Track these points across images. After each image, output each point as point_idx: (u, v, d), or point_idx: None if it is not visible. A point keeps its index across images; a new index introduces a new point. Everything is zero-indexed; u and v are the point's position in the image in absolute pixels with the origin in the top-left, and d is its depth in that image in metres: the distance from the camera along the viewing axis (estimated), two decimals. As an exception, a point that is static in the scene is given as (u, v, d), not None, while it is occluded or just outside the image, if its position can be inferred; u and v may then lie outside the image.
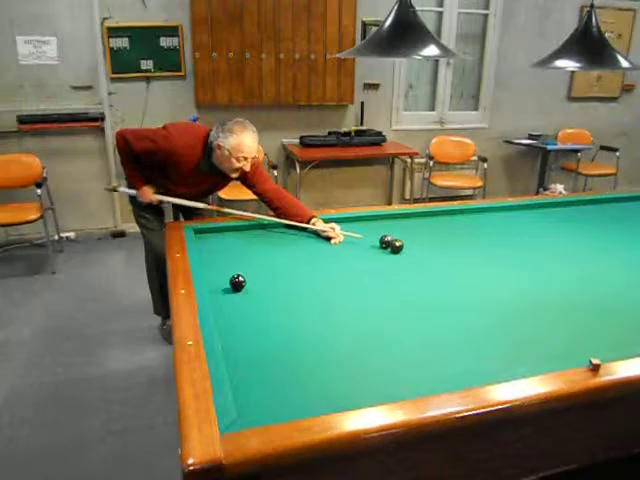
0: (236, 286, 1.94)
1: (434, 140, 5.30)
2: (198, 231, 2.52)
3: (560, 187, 5.32)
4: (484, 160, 5.31)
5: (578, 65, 2.03)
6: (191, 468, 1.07)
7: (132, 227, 4.88)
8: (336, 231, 2.45)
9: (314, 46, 4.73)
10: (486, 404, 1.31)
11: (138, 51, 4.52)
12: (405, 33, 1.68)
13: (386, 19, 1.73)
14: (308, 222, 2.52)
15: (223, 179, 2.75)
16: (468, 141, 5.33)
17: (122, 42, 4.49)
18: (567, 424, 1.45)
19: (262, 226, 2.65)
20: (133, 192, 2.82)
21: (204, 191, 2.89)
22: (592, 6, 2.00)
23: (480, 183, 5.14)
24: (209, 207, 2.82)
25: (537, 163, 5.77)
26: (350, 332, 1.69)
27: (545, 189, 5.45)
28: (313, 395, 1.37)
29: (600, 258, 2.36)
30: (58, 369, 2.81)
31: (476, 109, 5.66)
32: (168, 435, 2.31)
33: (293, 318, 1.77)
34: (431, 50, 1.69)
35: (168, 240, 2.37)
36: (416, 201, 5.09)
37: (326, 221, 2.57)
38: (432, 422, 1.26)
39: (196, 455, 1.10)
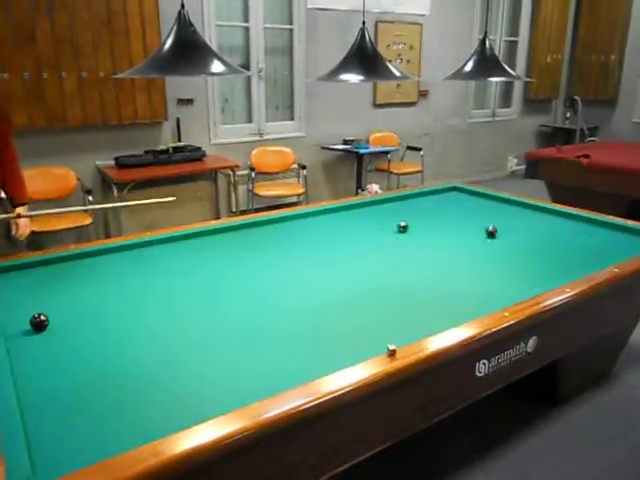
0: (37, 326, 1.79)
1: (254, 152, 5.40)
2: (-3, 270, 2.29)
3: (376, 187, 5.73)
4: (303, 167, 5.53)
5: (359, 77, 2.22)
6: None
7: None
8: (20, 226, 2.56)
9: (119, 63, 4.54)
10: (313, 398, 1.37)
11: None
12: (186, 52, 1.69)
13: (166, 38, 1.73)
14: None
15: None
16: (287, 150, 5.52)
17: None
18: (378, 406, 1.56)
19: (71, 257, 2.48)
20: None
21: None
22: (364, 23, 2.21)
23: (302, 190, 5.35)
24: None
25: (354, 166, 6.15)
26: (159, 358, 1.66)
27: (363, 189, 5.84)
28: (126, 430, 1.32)
29: (405, 250, 2.60)
30: None
31: (292, 119, 5.88)
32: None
33: (99, 353, 1.68)
34: (216, 67, 1.72)
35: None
36: (243, 213, 5.13)
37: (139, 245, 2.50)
38: (269, 422, 1.30)
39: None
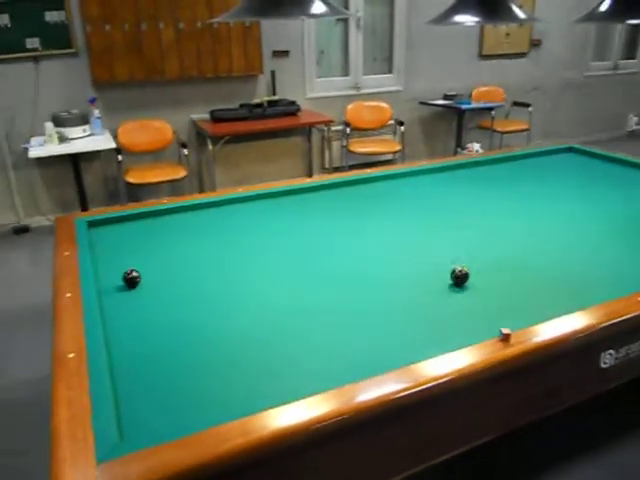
0: (130, 283, 1.76)
1: (350, 106, 5.18)
2: (92, 223, 2.31)
3: (477, 146, 5.36)
4: (401, 124, 5.26)
5: (475, 19, 1.94)
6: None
7: (36, 221, 4.53)
8: None
9: (216, 13, 4.45)
10: (414, 384, 1.23)
11: (21, 28, 4.10)
12: (287, -9, 1.53)
13: (265, -24, 1.57)
14: None
15: None
16: (384, 105, 5.26)
17: (2, 19, 4.05)
18: (485, 396, 1.40)
19: (166, 211, 2.46)
20: None
21: None
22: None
23: (398, 147, 5.10)
24: None
25: (454, 123, 5.78)
26: (260, 326, 1.56)
27: (463, 149, 5.49)
28: (213, 404, 1.24)
29: (511, 218, 2.34)
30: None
31: (390, 72, 5.58)
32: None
33: (194, 315, 1.62)
34: (317, 8, 1.55)
35: (57, 237, 2.15)
36: (336, 170, 4.99)
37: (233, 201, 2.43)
38: (365, 407, 1.18)
39: (65, 493, 0.95)
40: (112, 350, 1.42)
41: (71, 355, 1.35)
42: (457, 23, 1.94)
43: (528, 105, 5.86)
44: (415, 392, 1.23)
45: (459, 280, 1.70)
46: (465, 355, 1.32)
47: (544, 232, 2.17)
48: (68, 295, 1.66)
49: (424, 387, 1.24)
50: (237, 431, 1.09)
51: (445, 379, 1.26)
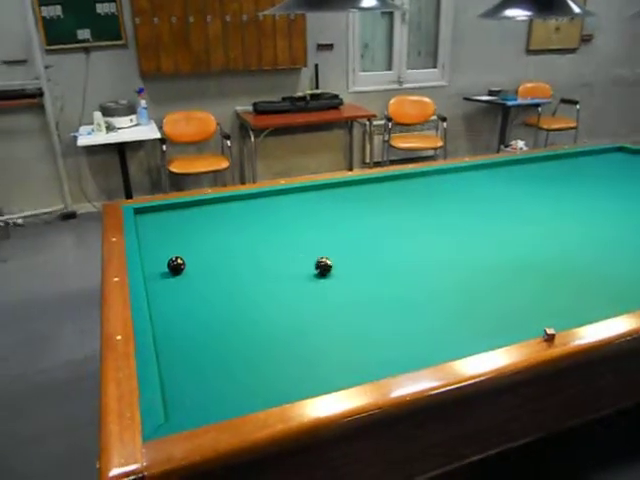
0: (174, 269, 1.80)
1: (392, 101, 5.15)
2: (138, 211, 2.37)
3: (521, 143, 5.25)
4: (444, 119, 5.19)
5: (527, 13, 1.90)
6: (106, 485, 0.96)
7: (83, 207, 4.67)
8: None
9: (262, 6, 4.48)
10: (453, 380, 1.22)
11: (73, 19, 4.22)
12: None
13: (316, -31, 1.57)
14: None
15: None
16: (427, 100, 5.20)
17: (55, 10, 4.18)
18: (525, 396, 1.38)
19: (209, 201, 2.51)
20: None
21: None
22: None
23: (440, 143, 5.04)
24: None
25: (498, 119, 5.68)
26: (299, 318, 1.58)
27: (506, 146, 5.38)
28: (254, 390, 1.26)
29: (558, 217, 2.29)
30: (3, 362, 2.66)
31: (435, 66, 5.51)
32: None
33: (237, 304, 1.64)
34: (367, 1, 1.54)
35: (104, 223, 2.21)
36: (377, 165, 4.97)
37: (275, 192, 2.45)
38: (400, 402, 1.18)
39: (113, 468, 0.99)
40: (157, 333, 1.46)
41: (119, 337, 1.39)
42: (509, 17, 1.90)
43: (576, 102, 5.70)
44: (453, 389, 1.22)
45: (321, 270, 1.76)
46: (507, 354, 1.31)
47: (591, 234, 2.12)
48: (116, 279, 1.71)
49: (462, 385, 1.23)
50: (277, 418, 1.11)
51: (485, 377, 1.25)
